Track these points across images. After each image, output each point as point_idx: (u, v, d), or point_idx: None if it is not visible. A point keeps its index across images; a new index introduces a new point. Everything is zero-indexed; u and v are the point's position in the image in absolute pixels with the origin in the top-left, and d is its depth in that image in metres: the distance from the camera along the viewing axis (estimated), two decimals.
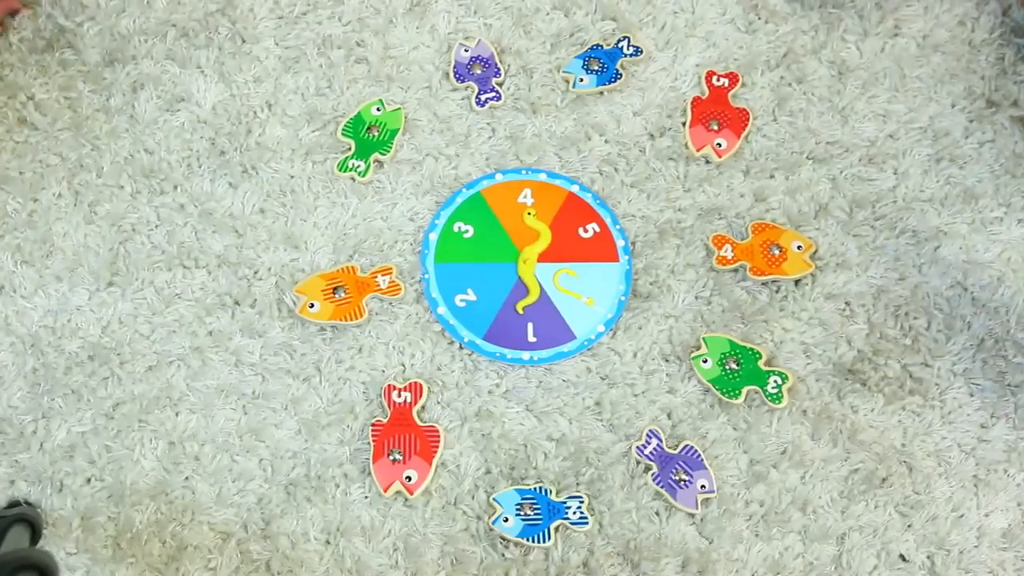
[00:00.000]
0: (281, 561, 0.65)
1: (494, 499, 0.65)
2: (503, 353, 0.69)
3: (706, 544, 0.64)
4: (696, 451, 0.66)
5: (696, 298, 0.70)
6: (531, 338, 0.69)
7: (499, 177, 0.74)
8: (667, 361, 0.69)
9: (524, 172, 0.74)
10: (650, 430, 0.67)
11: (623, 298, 0.70)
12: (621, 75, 0.76)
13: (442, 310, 0.70)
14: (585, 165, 0.75)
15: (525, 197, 0.73)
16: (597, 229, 0.72)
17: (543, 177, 0.74)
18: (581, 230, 0.72)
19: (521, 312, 0.70)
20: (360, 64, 0.77)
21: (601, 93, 0.77)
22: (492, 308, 0.70)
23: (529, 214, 0.72)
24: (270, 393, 0.69)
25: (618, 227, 0.72)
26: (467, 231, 0.72)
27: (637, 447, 0.66)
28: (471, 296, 0.70)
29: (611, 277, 0.71)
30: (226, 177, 0.74)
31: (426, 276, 0.71)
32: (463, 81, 0.76)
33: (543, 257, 0.72)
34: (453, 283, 0.71)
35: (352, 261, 0.72)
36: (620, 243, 0.72)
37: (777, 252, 0.70)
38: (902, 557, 0.64)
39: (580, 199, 0.73)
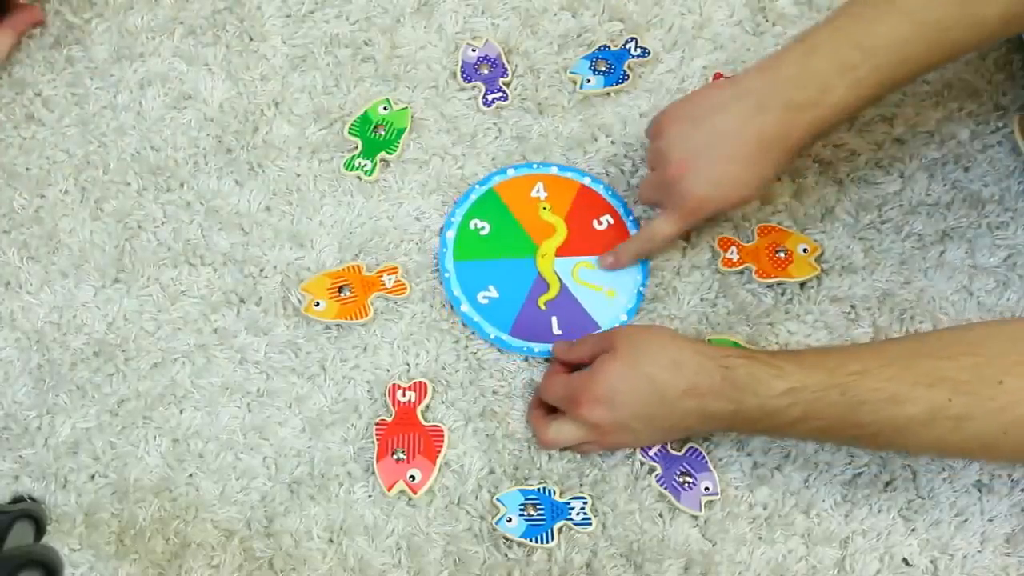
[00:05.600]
0: (284, 559, 0.65)
1: (497, 499, 0.65)
2: (530, 347, 0.69)
3: (709, 546, 0.64)
4: (700, 453, 0.66)
5: (701, 300, 0.70)
6: (556, 331, 0.69)
7: (511, 172, 0.74)
8: None
9: (535, 166, 0.74)
10: None
11: (642, 288, 0.70)
12: (628, 76, 0.76)
13: (465, 308, 0.70)
14: (591, 166, 0.75)
15: (538, 191, 0.73)
16: (611, 220, 0.72)
17: (554, 171, 0.74)
18: (595, 222, 0.72)
19: (543, 307, 0.70)
20: (367, 63, 0.77)
21: (608, 94, 0.77)
22: (515, 304, 0.70)
23: (545, 208, 0.72)
24: (274, 391, 0.69)
25: (631, 218, 0.72)
26: (484, 228, 0.72)
27: (641, 448, 0.66)
28: (493, 293, 0.70)
29: (628, 268, 0.71)
30: (233, 175, 0.74)
31: (447, 275, 0.71)
32: (470, 81, 0.76)
33: (561, 251, 0.72)
34: (474, 281, 0.71)
35: (358, 260, 0.72)
36: (634, 233, 0.71)
37: (783, 255, 0.70)
38: (905, 561, 0.64)
39: (592, 191, 0.73)
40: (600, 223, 0.72)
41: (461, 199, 0.73)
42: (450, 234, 0.72)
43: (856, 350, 0.62)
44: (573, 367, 0.64)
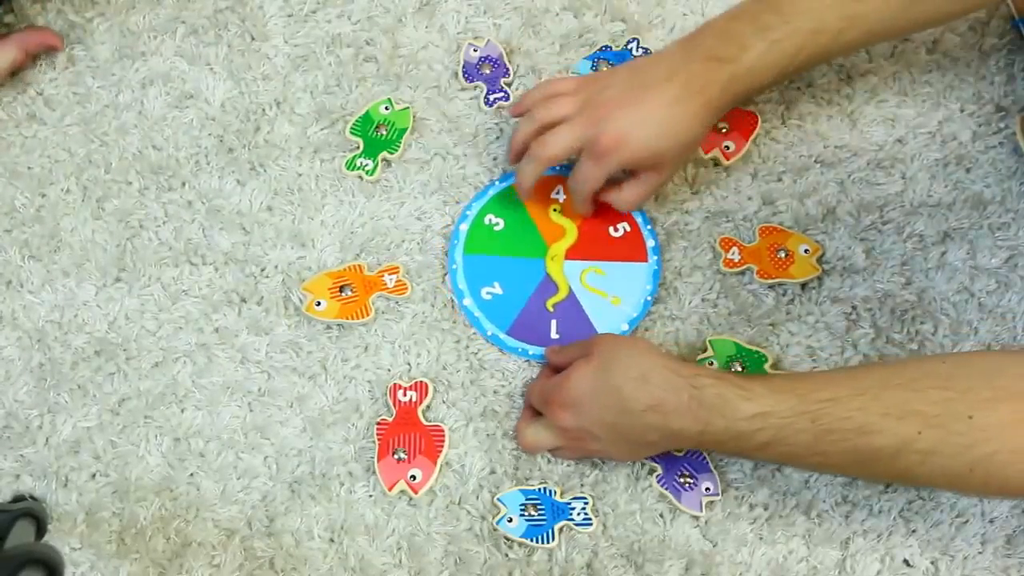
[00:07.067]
0: (285, 559, 0.65)
1: (498, 499, 0.65)
2: (525, 349, 0.69)
3: (710, 547, 0.64)
4: (701, 454, 0.66)
5: (703, 300, 0.70)
6: (554, 335, 0.69)
7: None
8: None
9: (559, 168, 0.73)
10: None
11: (649, 298, 0.70)
12: None
13: (468, 302, 0.70)
14: None
15: (558, 193, 0.73)
16: (628, 228, 0.72)
17: None
18: (611, 229, 0.72)
19: (551, 309, 0.70)
20: (369, 63, 0.77)
21: None
22: (517, 303, 0.70)
23: (555, 210, 0.72)
24: (275, 391, 0.69)
25: (649, 227, 0.72)
26: (498, 224, 0.72)
27: None
28: (497, 289, 0.70)
29: (638, 277, 0.71)
30: (234, 174, 0.74)
31: (454, 267, 0.71)
32: (472, 81, 0.76)
33: (572, 254, 0.71)
34: (480, 275, 0.71)
35: (359, 260, 0.72)
36: (650, 243, 0.71)
37: (784, 255, 0.70)
38: (906, 562, 0.64)
39: None
40: (616, 230, 0.72)
41: (479, 194, 0.73)
42: (464, 227, 0.72)
43: (828, 376, 0.61)
44: (561, 371, 0.65)
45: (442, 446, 0.66)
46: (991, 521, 0.65)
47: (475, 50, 0.77)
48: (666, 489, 0.65)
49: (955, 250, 0.70)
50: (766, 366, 0.67)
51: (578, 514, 0.64)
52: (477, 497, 0.66)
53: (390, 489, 0.65)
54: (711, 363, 0.68)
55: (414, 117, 0.76)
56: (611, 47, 0.77)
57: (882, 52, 0.76)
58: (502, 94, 0.76)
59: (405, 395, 0.67)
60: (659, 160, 0.64)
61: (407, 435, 0.66)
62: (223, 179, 0.74)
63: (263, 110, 0.76)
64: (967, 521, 0.65)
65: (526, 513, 0.64)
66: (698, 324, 0.70)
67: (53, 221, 0.73)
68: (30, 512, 0.60)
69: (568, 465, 0.66)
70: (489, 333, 0.69)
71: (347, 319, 0.69)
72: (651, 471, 0.66)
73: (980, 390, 0.53)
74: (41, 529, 0.61)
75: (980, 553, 0.64)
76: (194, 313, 0.71)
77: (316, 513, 0.66)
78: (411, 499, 0.66)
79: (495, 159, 0.75)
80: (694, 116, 0.62)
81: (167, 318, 0.71)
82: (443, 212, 0.73)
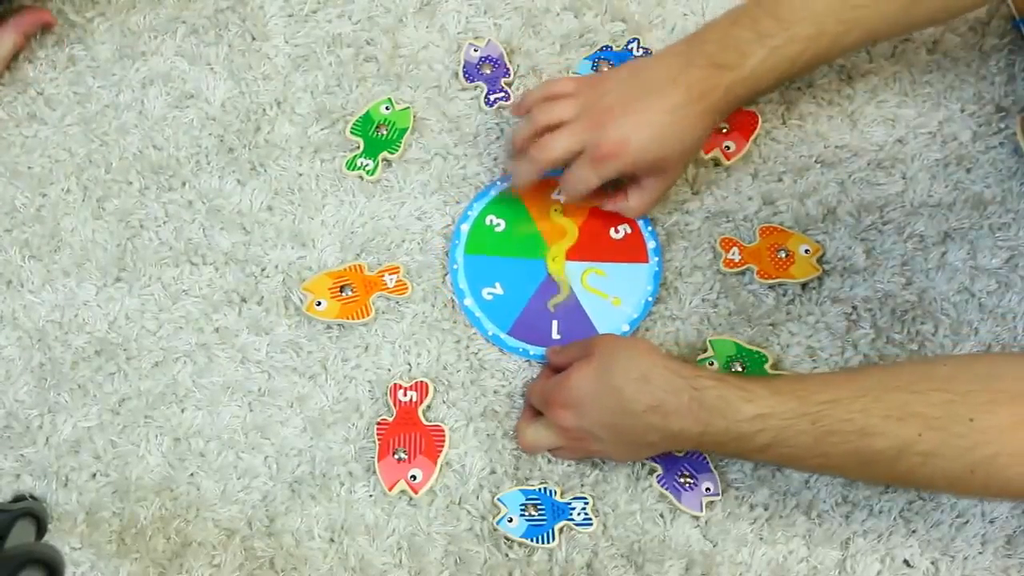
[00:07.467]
0: (285, 559, 0.65)
1: (498, 499, 0.65)
2: (526, 349, 0.69)
3: (710, 547, 0.64)
4: (701, 454, 0.66)
5: (703, 300, 0.70)
6: (555, 335, 0.69)
7: None
8: None
9: (562, 170, 0.73)
10: None
11: (650, 299, 0.70)
12: None
13: (469, 302, 0.70)
14: None
15: (559, 194, 0.73)
16: (628, 230, 0.72)
17: None
18: (612, 230, 0.72)
19: (553, 310, 0.70)
20: (369, 63, 0.77)
21: None
22: (518, 303, 0.70)
23: (556, 211, 0.72)
24: (276, 390, 0.69)
25: (650, 229, 0.72)
26: (499, 224, 0.72)
27: None
28: (498, 290, 0.70)
29: (639, 278, 0.71)
30: (234, 174, 0.74)
31: (455, 267, 0.71)
32: (472, 81, 0.76)
33: (572, 255, 0.71)
34: (481, 275, 0.71)
35: (359, 260, 0.72)
36: (651, 244, 0.71)
37: (784, 255, 0.70)
38: (906, 563, 0.64)
39: None
40: (617, 231, 0.72)
41: (481, 194, 0.73)
42: (465, 227, 0.72)
43: (829, 378, 0.62)
44: (561, 371, 0.65)
45: (442, 446, 0.66)
46: (991, 521, 0.65)
47: (475, 50, 0.77)
48: (666, 489, 0.65)
49: (955, 250, 0.70)
50: (766, 366, 0.67)
51: (578, 514, 0.64)
52: (477, 497, 0.66)
53: (390, 489, 0.65)
54: (711, 363, 0.68)
55: (414, 117, 0.76)
56: (611, 47, 0.77)
57: (882, 52, 0.76)
58: (502, 94, 0.76)
59: (405, 395, 0.68)
60: (662, 165, 0.64)
61: (407, 435, 0.66)
62: (223, 179, 0.74)
63: (263, 110, 0.76)
64: (967, 521, 0.65)
65: (526, 513, 0.64)
66: (698, 324, 0.70)
67: (53, 221, 0.73)
68: (30, 512, 0.60)
69: (568, 465, 0.66)
70: (490, 333, 0.69)
71: (347, 319, 0.69)
72: (651, 471, 0.66)
73: (980, 393, 0.53)
74: (41, 529, 0.62)
75: (980, 553, 0.64)
76: (194, 313, 0.71)
77: (316, 513, 0.66)
78: (411, 499, 0.66)
79: (496, 159, 0.75)
80: (696, 121, 0.62)
81: (167, 318, 0.71)
82: (444, 212, 0.73)
